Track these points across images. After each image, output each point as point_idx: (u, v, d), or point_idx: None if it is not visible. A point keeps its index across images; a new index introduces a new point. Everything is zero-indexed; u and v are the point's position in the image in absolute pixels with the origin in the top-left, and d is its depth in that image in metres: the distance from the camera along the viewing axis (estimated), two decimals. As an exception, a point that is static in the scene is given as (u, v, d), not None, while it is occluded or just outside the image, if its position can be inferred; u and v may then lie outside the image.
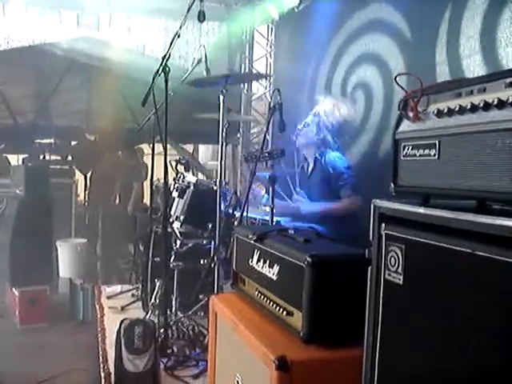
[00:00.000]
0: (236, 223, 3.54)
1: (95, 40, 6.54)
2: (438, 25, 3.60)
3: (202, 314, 3.87)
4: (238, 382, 2.11)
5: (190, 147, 10.17)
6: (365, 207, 1.70)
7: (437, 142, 1.43)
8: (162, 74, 3.21)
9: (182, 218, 3.88)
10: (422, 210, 1.41)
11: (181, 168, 4.11)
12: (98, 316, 4.35)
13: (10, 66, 6.75)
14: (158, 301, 3.98)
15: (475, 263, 1.19)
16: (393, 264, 1.48)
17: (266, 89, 7.24)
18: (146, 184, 7.46)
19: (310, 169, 4.02)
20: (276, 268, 2.11)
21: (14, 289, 4.52)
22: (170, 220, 3.91)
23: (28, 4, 6.13)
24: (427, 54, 3.68)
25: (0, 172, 6.26)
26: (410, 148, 1.53)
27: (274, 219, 3.74)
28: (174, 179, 4.08)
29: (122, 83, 6.77)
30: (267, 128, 3.75)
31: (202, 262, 3.98)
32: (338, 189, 3.77)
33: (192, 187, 3.92)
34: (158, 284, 4.05)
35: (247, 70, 7.22)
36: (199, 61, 3.92)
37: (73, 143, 7.76)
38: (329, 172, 3.80)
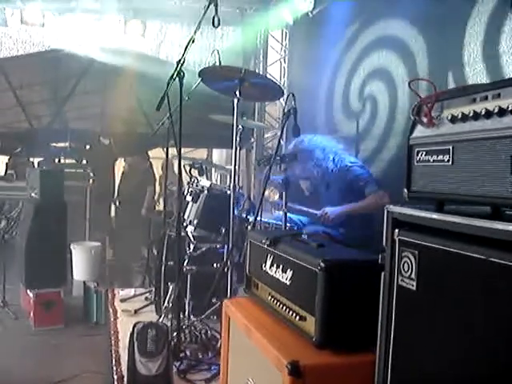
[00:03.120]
0: (249, 228, 3.55)
1: (110, 45, 6.59)
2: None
3: (215, 317, 3.88)
4: (250, 386, 2.11)
5: (204, 151, 10.22)
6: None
7: (451, 148, 1.43)
8: (177, 78, 3.23)
9: (195, 222, 3.89)
10: (435, 216, 1.41)
11: (195, 172, 4.13)
12: (112, 319, 4.37)
13: (27, 70, 6.84)
14: (171, 304, 3.99)
15: (489, 269, 1.19)
16: (406, 270, 1.48)
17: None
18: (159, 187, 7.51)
19: (328, 179, 4.00)
20: (289, 273, 2.11)
21: (28, 291, 4.55)
22: (184, 224, 3.92)
23: (45, 10, 6.19)
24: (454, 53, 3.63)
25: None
26: (424, 153, 1.53)
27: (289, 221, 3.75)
28: (188, 183, 4.09)
29: (137, 88, 6.82)
30: (281, 133, 3.75)
31: (215, 266, 3.99)
32: (362, 189, 3.73)
33: (206, 191, 3.93)
34: (171, 287, 4.07)
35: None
36: (213, 65, 3.95)
37: (87, 147, 7.80)
38: (348, 178, 3.79)
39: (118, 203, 7.42)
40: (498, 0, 3.10)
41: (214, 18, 3.19)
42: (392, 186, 3.29)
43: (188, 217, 3.96)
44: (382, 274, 1.59)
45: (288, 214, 3.72)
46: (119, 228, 7.30)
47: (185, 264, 3.95)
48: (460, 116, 1.40)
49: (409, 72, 4.03)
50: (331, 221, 3.70)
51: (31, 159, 7.49)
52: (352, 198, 3.78)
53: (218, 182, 8.14)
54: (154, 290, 4.56)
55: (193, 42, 3.20)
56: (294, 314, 2.04)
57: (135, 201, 7.10)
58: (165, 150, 4.55)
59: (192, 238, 4.02)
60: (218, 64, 4.03)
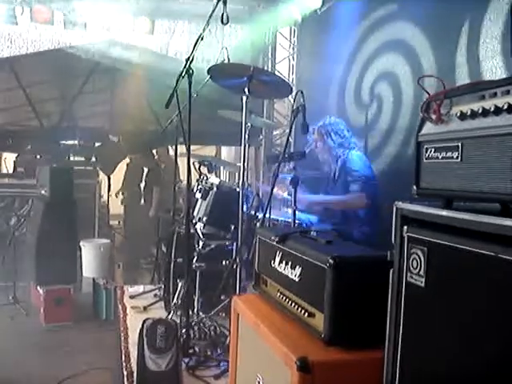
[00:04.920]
0: (258, 225, 3.55)
1: (119, 43, 6.61)
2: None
3: (224, 314, 3.89)
4: (259, 382, 2.11)
5: (212, 149, 10.23)
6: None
7: (459, 145, 1.43)
8: (186, 76, 3.24)
9: (204, 219, 3.90)
10: (444, 213, 1.41)
11: (204, 169, 4.14)
12: (121, 315, 4.39)
13: (36, 68, 6.87)
14: (180, 301, 4.00)
15: (498, 266, 1.19)
16: (415, 266, 1.48)
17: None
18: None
19: (336, 173, 4.02)
20: (298, 269, 2.12)
21: (39, 288, 4.59)
22: (193, 221, 3.93)
23: (54, 8, 6.22)
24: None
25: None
26: (433, 150, 1.53)
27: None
28: (197, 180, 4.10)
29: (146, 85, 6.84)
30: (290, 130, 3.75)
31: (224, 263, 3.99)
32: (348, 184, 3.78)
33: (215, 189, 3.94)
34: (180, 284, 4.08)
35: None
36: (222, 62, 3.96)
37: (96, 144, 7.84)
38: (344, 171, 3.82)
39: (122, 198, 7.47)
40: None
41: (222, 15, 3.20)
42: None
43: (197, 214, 3.97)
44: (391, 270, 1.59)
45: (297, 214, 3.73)
46: (127, 225, 7.33)
47: (194, 261, 3.96)
48: (469, 113, 1.40)
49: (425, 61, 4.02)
50: (306, 206, 3.81)
51: (38, 156, 7.54)
52: (342, 191, 3.84)
53: (227, 180, 8.15)
54: (163, 286, 4.58)
55: (202, 39, 3.21)
56: (303, 311, 2.05)
57: (140, 198, 7.11)
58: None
59: (201, 235, 4.03)
60: (226, 61, 4.04)
